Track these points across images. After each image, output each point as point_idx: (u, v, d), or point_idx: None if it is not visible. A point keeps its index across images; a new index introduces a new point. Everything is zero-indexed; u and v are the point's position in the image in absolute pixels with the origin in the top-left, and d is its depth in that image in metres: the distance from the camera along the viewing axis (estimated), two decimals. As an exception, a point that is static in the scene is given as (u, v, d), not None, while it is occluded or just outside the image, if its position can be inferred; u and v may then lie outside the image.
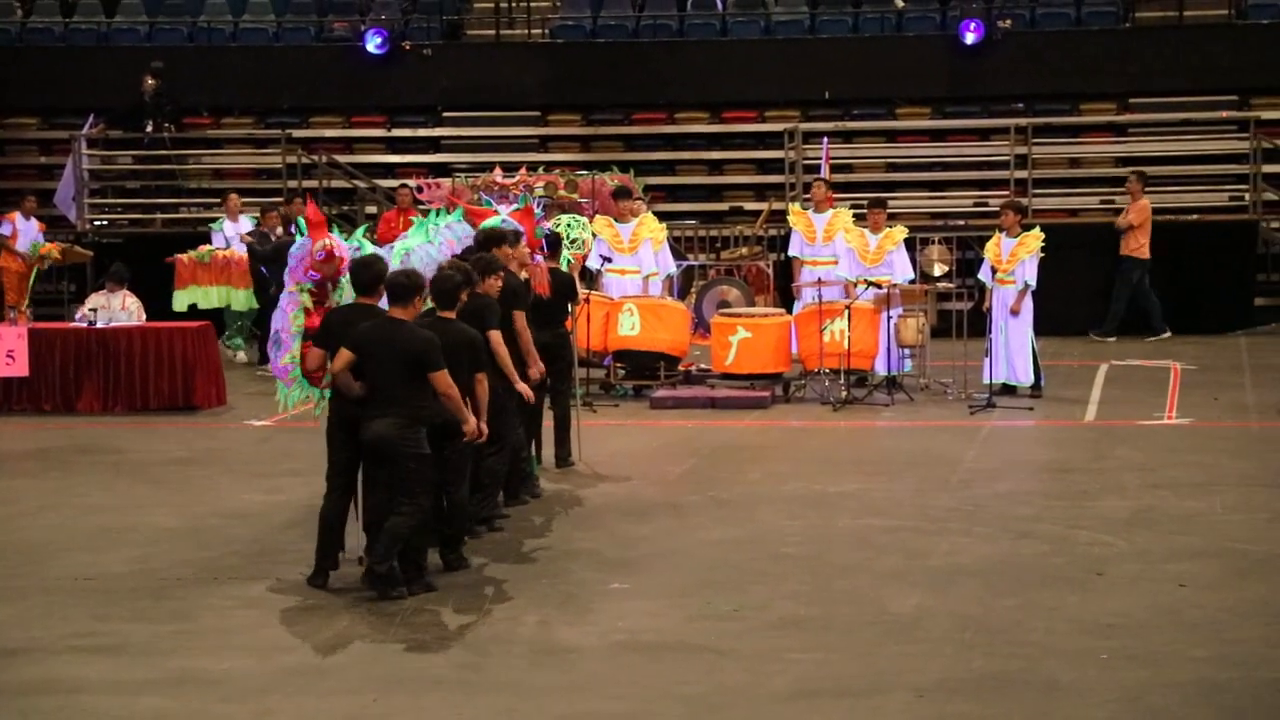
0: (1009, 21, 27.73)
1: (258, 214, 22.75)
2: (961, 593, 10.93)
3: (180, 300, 22.24)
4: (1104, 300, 23.71)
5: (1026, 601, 10.70)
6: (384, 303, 11.10)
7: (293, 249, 11.65)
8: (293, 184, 25.63)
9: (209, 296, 22.26)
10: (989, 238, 19.14)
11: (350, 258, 11.45)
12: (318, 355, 11.16)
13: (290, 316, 11.51)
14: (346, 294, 11.46)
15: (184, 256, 22.37)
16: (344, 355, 10.80)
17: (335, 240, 11.52)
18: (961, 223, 24.19)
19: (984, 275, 18.82)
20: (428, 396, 10.76)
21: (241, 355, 22.25)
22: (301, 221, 11.70)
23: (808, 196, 21.84)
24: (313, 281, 11.49)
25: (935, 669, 9.39)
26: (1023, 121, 25.73)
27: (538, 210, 15.24)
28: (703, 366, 19.85)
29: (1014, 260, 18.55)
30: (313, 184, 25.83)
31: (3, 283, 24.77)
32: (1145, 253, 23.52)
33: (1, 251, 24.86)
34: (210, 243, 22.83)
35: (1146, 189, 23.77)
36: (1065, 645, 9.79)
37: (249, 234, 21.95)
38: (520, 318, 12.93)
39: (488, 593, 11.04)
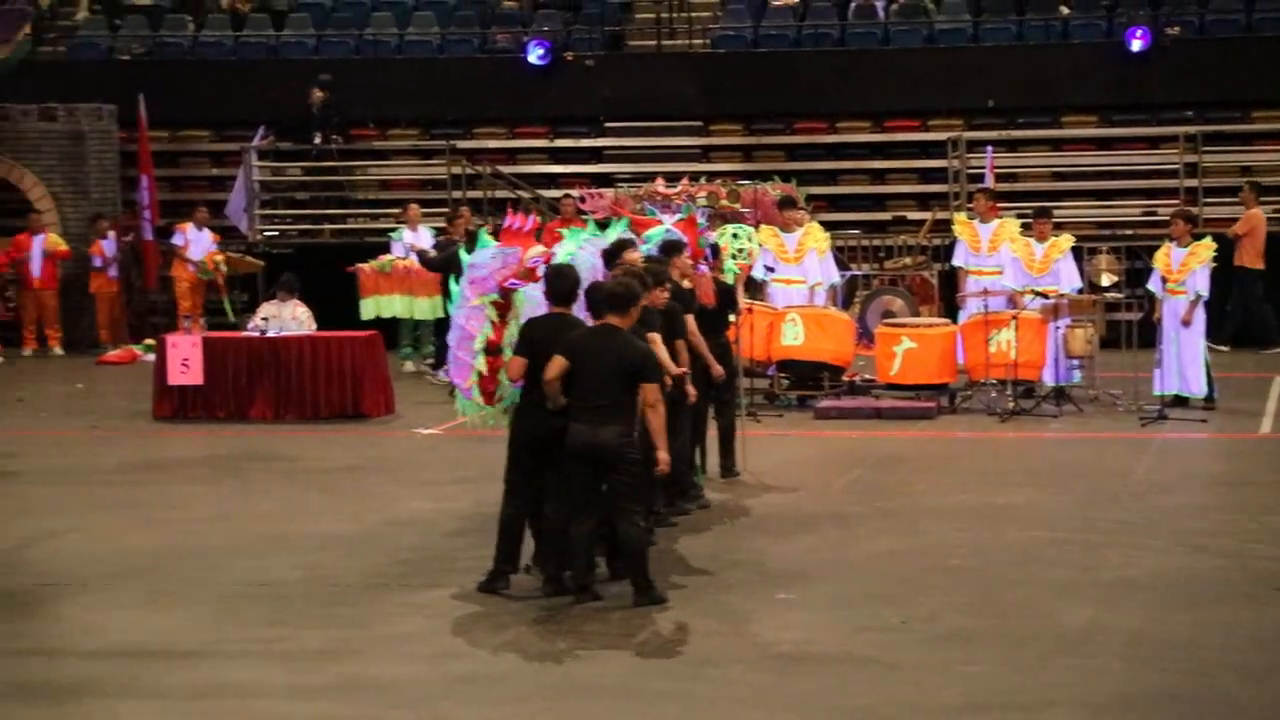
0: (1177, 28, 27.33)
1: (443, 224, 22.88)
2: (1134, 607, 10.78)
3: (367, 309, 22.45)
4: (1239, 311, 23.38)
5: (1201, 617, 10.53)
6: (578, 311, 11.11)
7: (476, 259, 11.31)
8: (457, 194, 25.84)
9: (391, 305, 22.42)
10: (1157, 247, 18.88)
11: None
12: (520, 364, 10.98)
13: (476, 334, 11.24)
14: (525, 306, 11.29)
15: (366, 266, 22.55)
16: (558, 363, 10.71)
17: (547, 250, 11.43)
18: (1130, 232, 23.87)
19: (1154, 285, 18.57)
20: (636, 406, 10.77)
21: (409, 366, 22.45)
22: (483, 233, 11.54)
23: (971, 206, 21.67)
24: (499, 293, 11.21)
25: (1107, 684, 9.27)
26: (1191, 129, 25.33)
27: (701, 220, 15.25)
28: (867, 377, 19.76)
29: (1185, 270, 18.28)
30: (476, 194, 26.02)
31: (176, 292, 25.27)
32: (1258, 263, 23.15)
33: (175, 261, 25.34)
34: (390, 252, 23.00)
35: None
36: (1242, 661, 9.62)
37: (433, 245, 22.04)
38: (692, 320, 13.09)
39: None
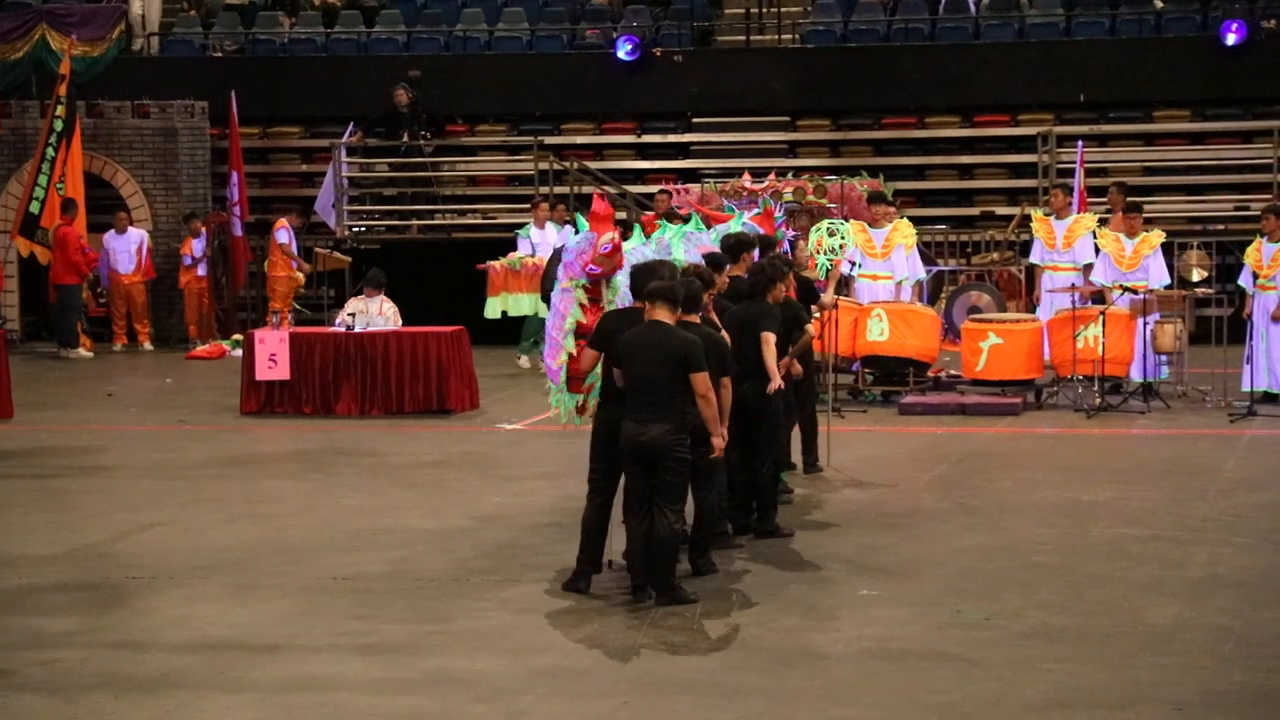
0: (1273, 21, 27.04)
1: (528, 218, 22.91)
2: (1221, 604, 10.68)
3: (493, 307, 22.50)
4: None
5: (1289, 615, 10.44)
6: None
7: (570, 243, 11.39)
8: (544, 190, 25.92)
9: (519, 304, 22.46)
10: (1249, 243, 18.70)
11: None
12: (591, 357, 11.01)
13: (566, 314, 11.27)
14: (620, 294, 11.27)
15: (496, 264, 22.58)
16: (594, 358, 10.79)
17: (619, 235, 11.44)
18: (1221, 227, 23.64)
19: (1245, 281, 18.41)
20: (690, 400, 10.71)
21: (524, 361, 22.44)
22: (581, 218, 11.56)
23: (1048, 200, 21.54)
24: (589, 278, 11.22)
25: (1194, 682, 9.19)
26: (1286, 124, 25.08)
27: (778, 214, 15.21)
28: (952, 372, 19.67)
29: (1275, 265, 18.11)
30: (564, 190, 26.09)
31: (274, 289, 25.47)
32: None
33: (278, 258, 25.50)
34: (517, 250, 23.01)
35: None
36: (1330, 661, 9.54)
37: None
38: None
39: (736, 598, 11.04)
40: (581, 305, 11.24)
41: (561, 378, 11.35)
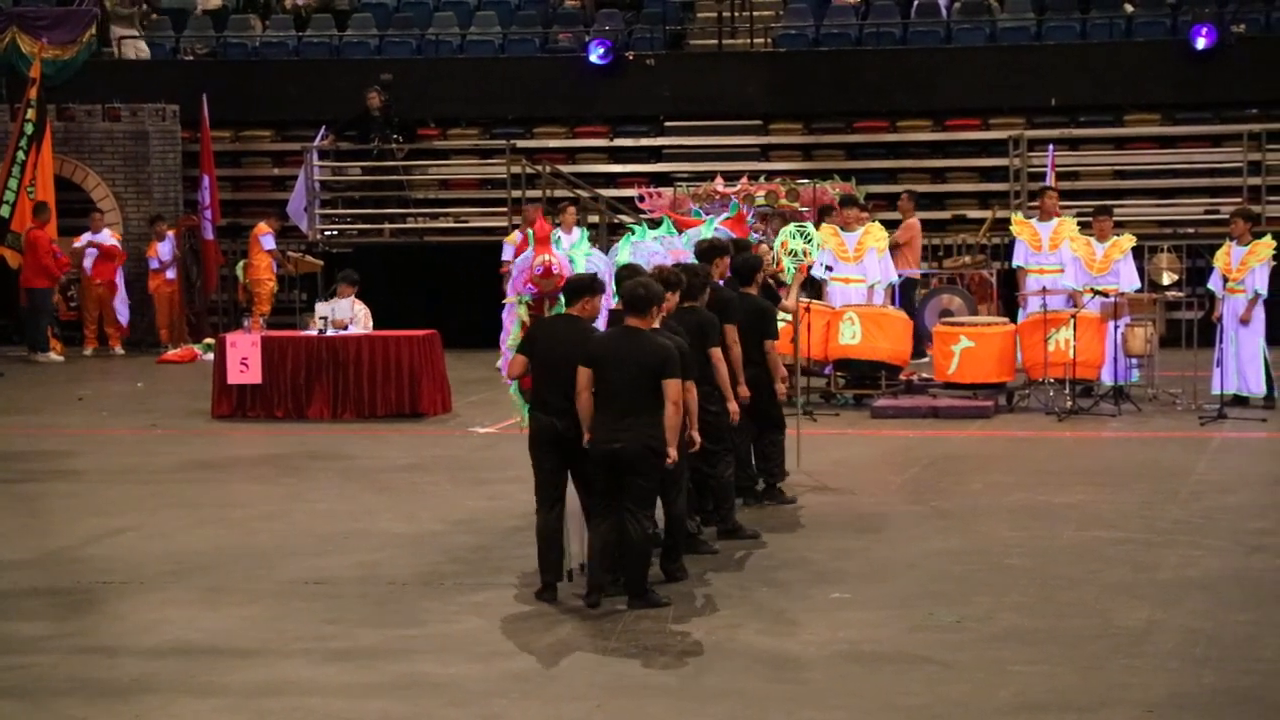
0: (1243, 26, 27.12)
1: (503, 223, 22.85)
2: (1191, 607, 10.72)
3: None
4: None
5: (1259, 617, 10.47)
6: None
7: (517, 260, 11.70)
8: (516, 194, 25.90)
9: None
10: (1219, 246, 18.78)
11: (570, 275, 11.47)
12: (520, 363, 11.11)
13: (510, 330, 11.58)
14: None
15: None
16: (585, 374, 10.69)
17: (557, 256, 11.52)
18: (1191, 230, 23.71)
19: (1214, 284, 18.47)
20: (661, 407, 10.70)
21: None
22: (530, 234, 11.72)
23: (1033, 204, 21.57)
24: (531, 295, 11.50)
25: (1164, 684, 9.22)
26: (1256, 127, 25.12)
27: (749, 218, 15.24)
28: (924, 376, 19.71)
29: (1244, 269, 18.19)
30: (536, 194, 26.08)
31: (258, 293, 25.42)
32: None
33: (260, 261, 25.46)
34: (502, 254, 22.92)
35: None
36: (1299, 662, 9.58)
37: None
38: (732, 331, 12.76)
39: (708, 602, 11.05)
40: (523, 322, 11.50)
41: (513, 389, 11.62)
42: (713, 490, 12.65)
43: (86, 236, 26.09)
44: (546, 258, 11.41)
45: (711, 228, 13.92)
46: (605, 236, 23.24)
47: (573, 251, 11.88)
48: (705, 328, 12.15)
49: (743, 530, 12.76)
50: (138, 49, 29.45)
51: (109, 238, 26.09)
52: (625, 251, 12.51)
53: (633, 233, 13.00)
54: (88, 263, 25.96)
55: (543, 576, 11.13)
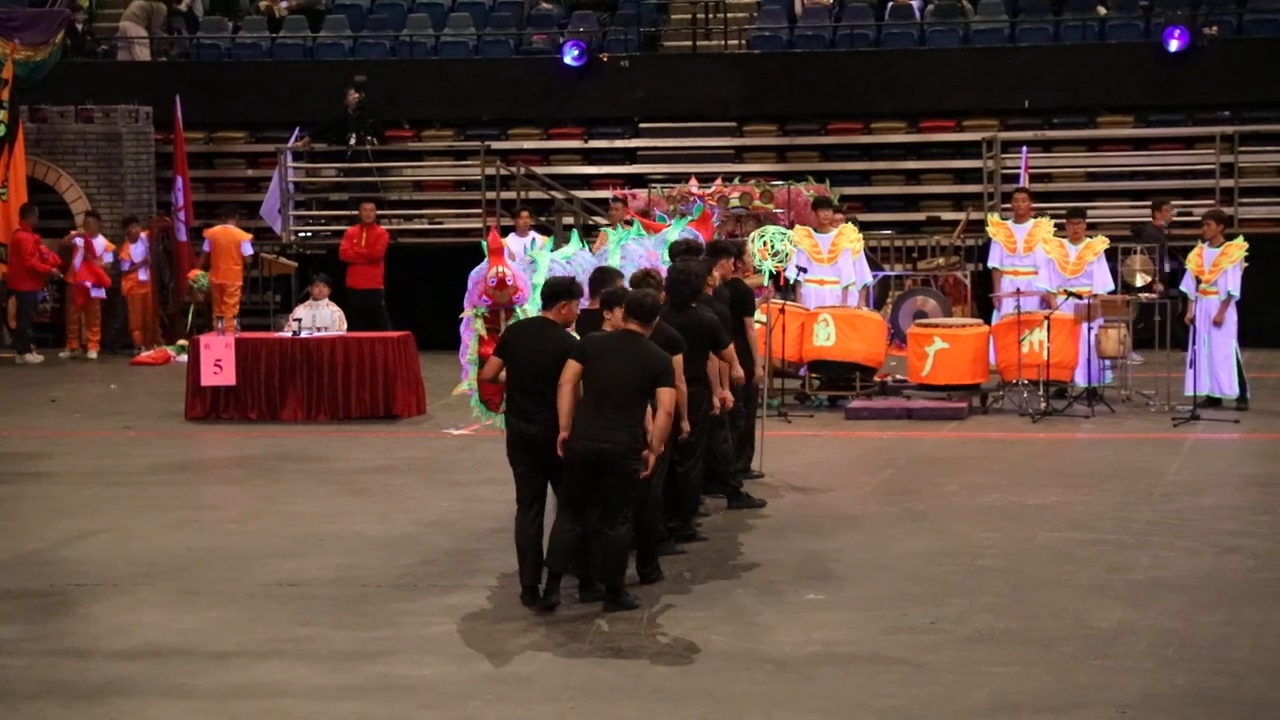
0: (1215, 28, 27.19)
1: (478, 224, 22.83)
2: (1164, 607, 10.76)
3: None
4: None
5: (1232, 617, 10.50)
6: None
7: (472, 272, 11.73)
8: (491, 195, 25.86)
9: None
10: (1192, 248, 18.83)
11: (526, 287, 11.53)
12: (495, 365, 11.08)
13: (469, 343, 11.67)
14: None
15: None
16: (574, 368, 10.70)
17: (512, 269, 11.57)
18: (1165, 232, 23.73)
19: (1187, 286, 18.53)
20: (646, 413, 10.72)
21: None
22: (575, 235, 11.79)
23: (1007, 207, 21.61)
24: (486, 307, 11.58)
25: (1137, 685, 9.24)
26: (1229, 129, 25.21)
27: (715, 219, 15.28)
28: (899, 377, 19.73)
29: (1216, 270, 18.25)
30: (511, 195, 26.06)
31: (229, 298, 25.35)
32: None
33: (237, 266, 25.41)
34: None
35: None
36: (1272, 662, 9.61)
37: None
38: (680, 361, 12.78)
39: (681, 603, 11.05)
40: (481, 336, 11.60)
41: (474, 400, 11.74)
42: (678, 490, 12.57)
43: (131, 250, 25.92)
44: (501, 269, 11.48)
45: (679, 229, 13.94)
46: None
47: (536, 254, 11.91)
48: (709, 328, 12.28)
49: (697, 534, 12.76)
50: (137, 51, 29.35)
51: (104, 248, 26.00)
52: (615, 255, 12.57)
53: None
54: (77, 260, 25.86)
55: (523, 580, 11.09)
